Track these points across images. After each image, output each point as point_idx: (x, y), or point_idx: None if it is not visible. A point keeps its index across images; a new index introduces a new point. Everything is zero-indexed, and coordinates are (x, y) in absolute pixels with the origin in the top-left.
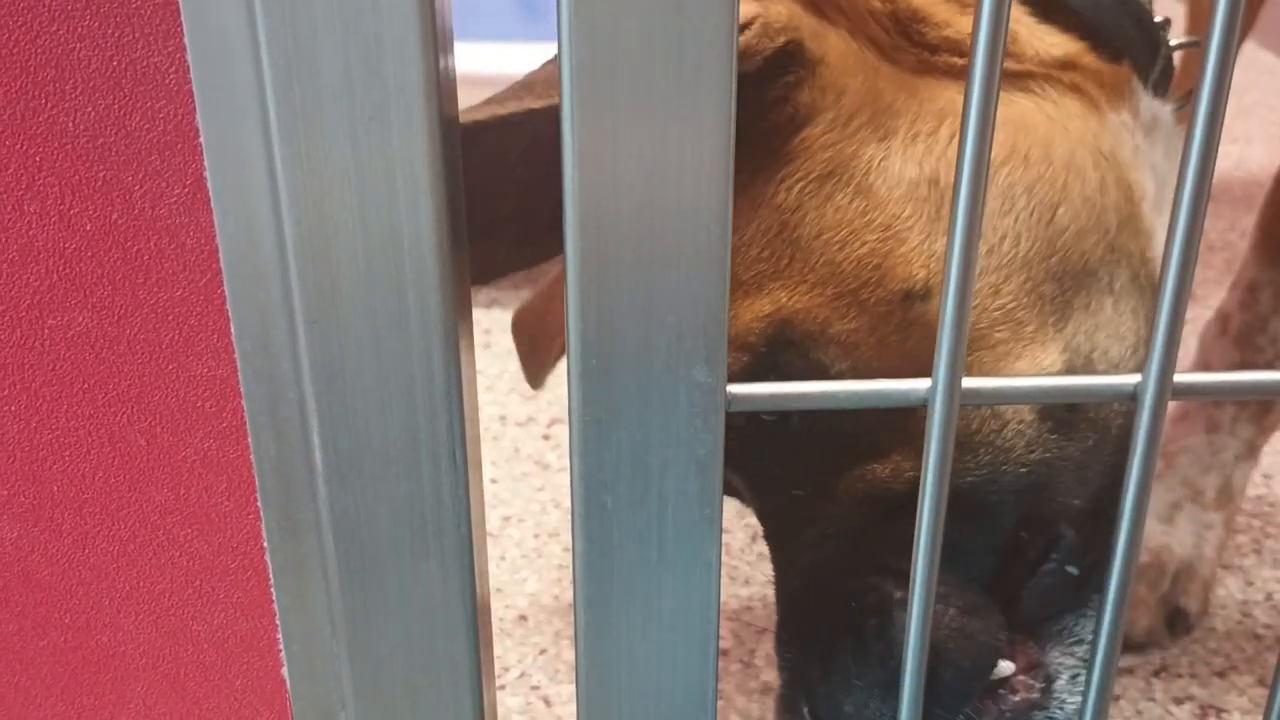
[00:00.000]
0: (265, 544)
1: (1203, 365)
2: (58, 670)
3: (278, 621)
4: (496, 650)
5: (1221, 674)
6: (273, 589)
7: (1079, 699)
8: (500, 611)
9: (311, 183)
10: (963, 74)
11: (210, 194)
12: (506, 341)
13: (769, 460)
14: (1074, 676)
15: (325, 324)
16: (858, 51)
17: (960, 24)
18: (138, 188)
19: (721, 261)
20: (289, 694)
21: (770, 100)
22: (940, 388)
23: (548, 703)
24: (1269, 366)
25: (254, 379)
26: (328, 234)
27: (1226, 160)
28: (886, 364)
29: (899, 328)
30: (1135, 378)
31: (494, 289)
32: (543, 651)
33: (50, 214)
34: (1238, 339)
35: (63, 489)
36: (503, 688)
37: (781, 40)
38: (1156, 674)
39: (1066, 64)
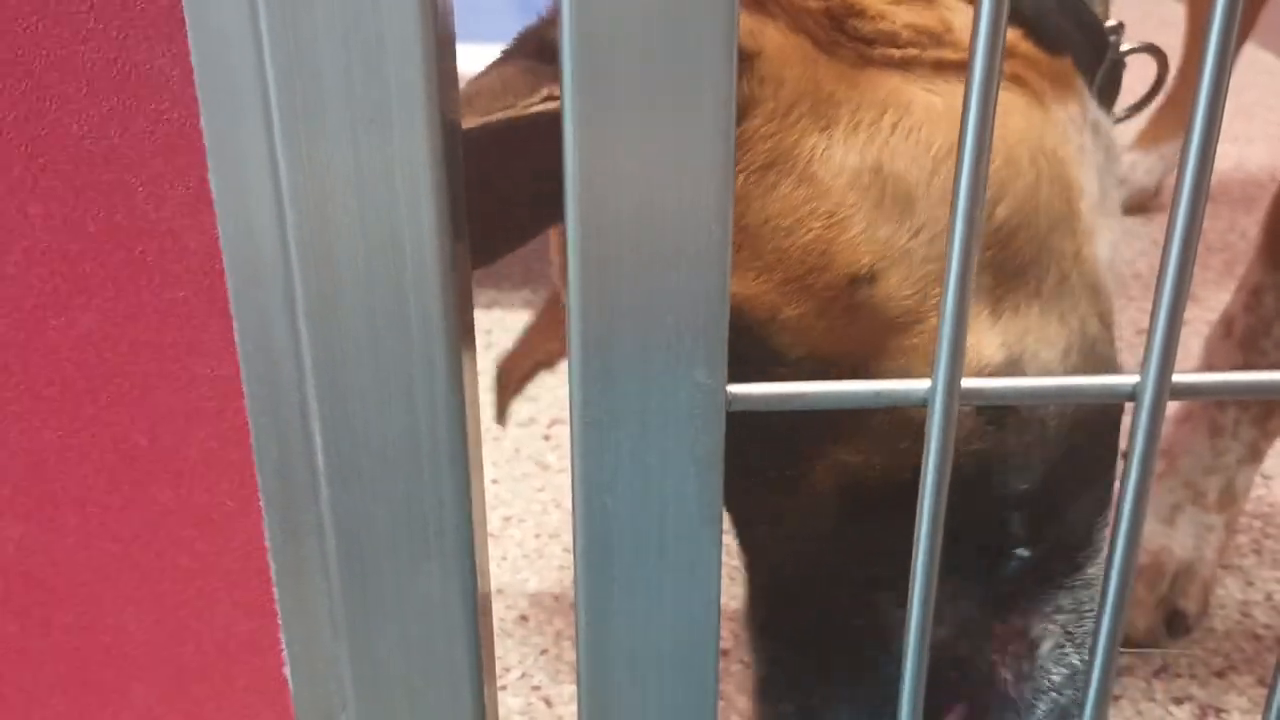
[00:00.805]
0: (267, 545)
1: (1207, 368)
2: (60, 670)
3: (279, 622)
4: (498, 650)
5: (1221, 674)
6: (274, 589)
7: (1064, 670)
8: (501, 612)
9: (313, 184)
10: (899, 65)
11: (213, 196)
12: (507, 342)
13: (737, 449)
14: (1056, 647)
15: (327, 325)
16: (796, 44)
17: (894, 15)
18: (141, 190)
19: (722, 261)
20: (290, 694)
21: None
22: (940, 387)
23: (549, 703)
24: (1274, 369)
25: (256, 380)
26: (329, 235)
27: (1225, 160)
28: (837, 347)
29: (846, 311)
30: (1134, 378)
31: (494, 289)
32: (544, 652)
33: (54, 216)
34: (1242, 342)
35: (65, 489)
36: (504, 688)
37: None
38: (1156, 674)
39: (1006, 49)
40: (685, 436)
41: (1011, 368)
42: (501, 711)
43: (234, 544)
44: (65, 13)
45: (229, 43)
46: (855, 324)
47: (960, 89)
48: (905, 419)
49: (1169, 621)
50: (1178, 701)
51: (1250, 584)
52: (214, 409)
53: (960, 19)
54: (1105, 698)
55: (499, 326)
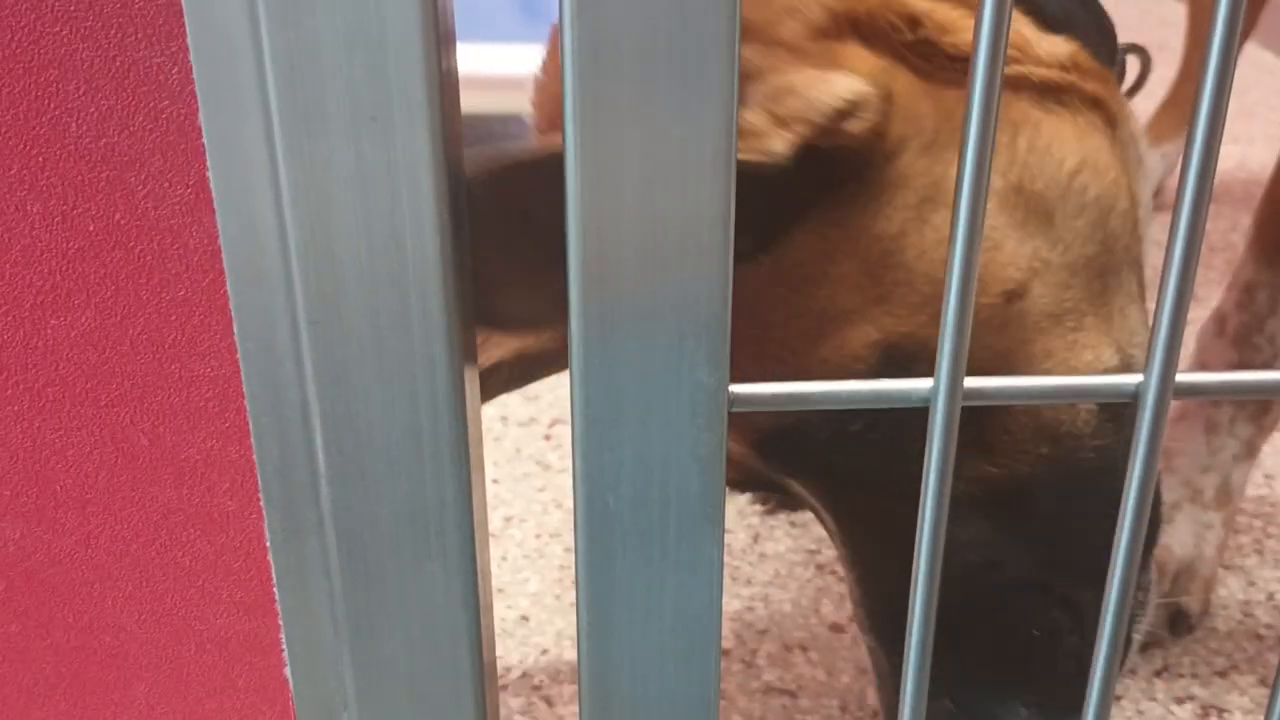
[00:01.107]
0: (268, 544)
1: (1200, 366)
2: (61, 670)
3: (280, 622)
4: (498, 650)
5: (1223, 674)
6: (275, 589)
7: None
8: (502, 612)
9: (314, 183)
10: (1010, 84)
11: (213, 194)
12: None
13: (862, 462)
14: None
15: (328, 324)
16: (910, 79)
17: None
18: (141, 188)
19: (723, 262)
20: (292, 694)
21: (858, 144)
22: (942, 387)
23: (549, 703)
24: (1266, 366)
25: (257, 379)
26: (330, 234)
27: (1228, 160)
28: (986, 365)
29: (996, 329)
30: (1137, 377)
31: None
32: (544, 652)
33: (54, 215)
34: (1235, 339)
35: (66, 489)
36: (505, 688)
37: (884, 108)
38: (1158, 674)
39: (1076, 62)
40: (687, 436)
41: (1126, 369)
42: (502, 711)
43: (235, 543)
44: (64, 11)
45: (229, 41)
46: (1002, 339)
47: (1063, 112)
48: (1040, 425)
49: (1171, 620)
50: (1179, 701)
51: (1252, 584)
52: (214, 408)
53: (1032, 34)
54: (1107, 698)
55: None
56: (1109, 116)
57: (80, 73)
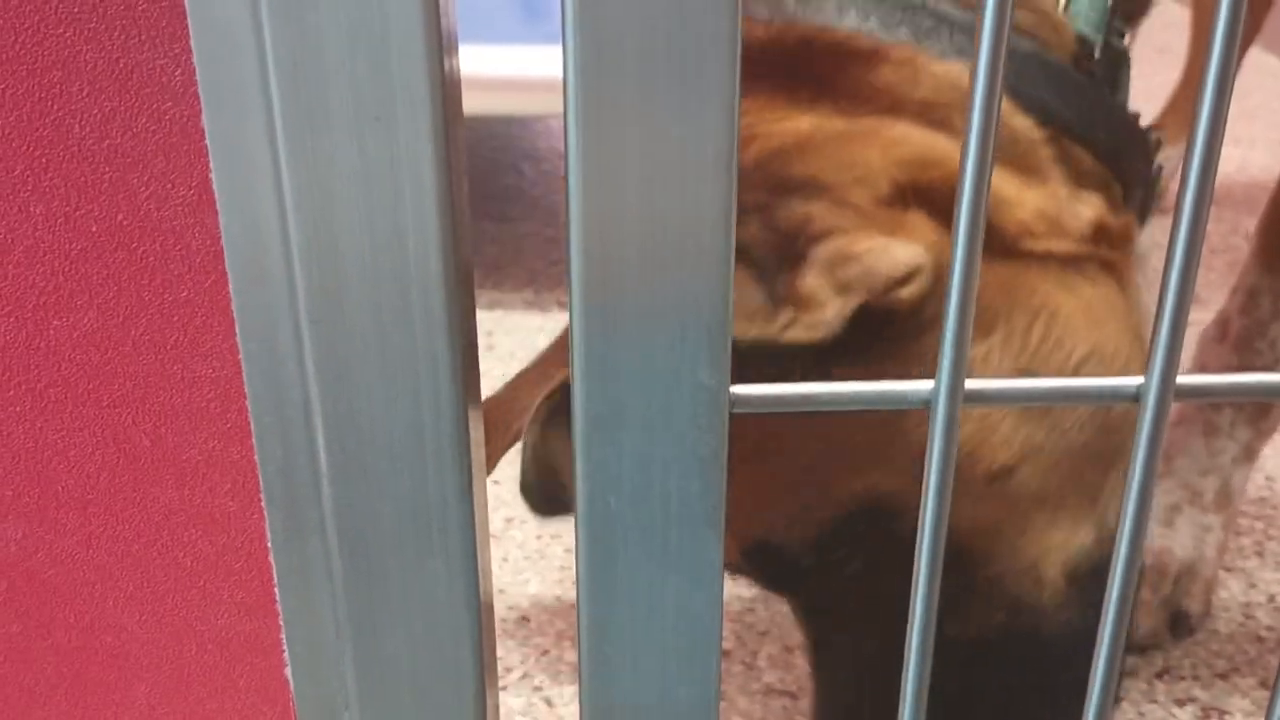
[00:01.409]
0: (269, 544)
1: (1200, 369)
2: (62, 670)
3: (281, 622)
4: (499, 651)
5: (1224, 676)
6: (277, 589)
7: None
8: (503, 613)
9: (316, 183)
10: (1039, 259)
11: (215, 195)
12: (509, 343)
13: (837, 591)
14: None
15: (330, 324)
16: None
17: (1025, 201)
18: (143, 189)
19: (725, 263)
20: (292, 694)
21: (903, 309)
22: (943, 389)
23: (550, 703)
24: (1267, 371)
25: (259, 379)
26: (333, 234)
27: (1229, 163)
28: (958, 532)
29: (977, 502)
30: (1138, 379)
31: (496, 290)
32: (545, 652)
33: (56, 215)
34: (1237, 344)
35: (67, 489)
36: (505, 689)
37: (935, 275)
38: (1159, 676)
39: (1099, 228)
40: (688, 437)
41: (1107, 540)
42: (503, 712)
43: (236, 543)
44: (67, 12)
45: (231, 41)
46: (983, 509)
47: (1082, 286)
48: (1003, 590)
49: (1173, 623)
50: (1180, 703)
51: (1253, 586)
52: (216, 408)
53: (1063, 206)
54: (1109, 700)
55: (500, 327)
56: (1122, 280)
57: (83, 74)
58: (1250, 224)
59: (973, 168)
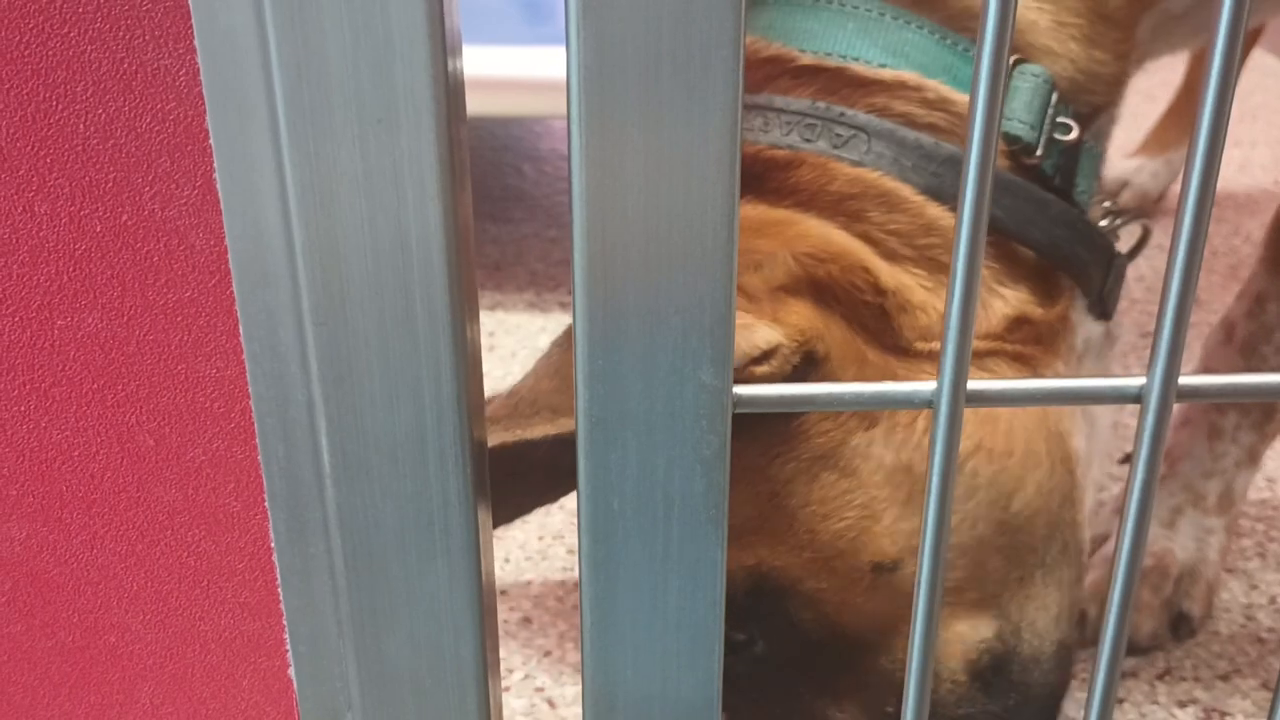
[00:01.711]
0: (273, 544)
1: (1205, 373)
2: (65, 670)
3: (285, 622)
4: (501, 652)
5: (1225, 677)
6: (280, 589)
7: None
8: (504, 614)
9: (320, 184)
10: (931, 358)
11: (220, 196)
12: (510, 344)
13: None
14: None
15: (333, 325)
16: (851, 339)
17: (933, 306)
18: (147, 189)
19: (727, 263)
20: (295, 694)
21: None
22: (945, 389)
23: (552, 704)
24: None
25: (262, 380)
26: (336, 236)
27: (1230, 165)
28: (849, 620)
29: (865, 591)
30: (1140, 380)
31: (498, 291)
32: (547, 653)
33: (60, 215)
34: (1243, 348)
35: (71, 489)
36: (507, 689)
37: (797, 358)
38: (1160, 677)
39: (1017, 322)
40: (691, 437)
41: (1010, 633)
42: (505, 713)
43: (239, 544)
44: (72, 12)
45: (236, 42)
46: (871, 602)
47: (989, 372)
48: (896, 682)
49: (1174, 624)
50: (1182, 705)
51: (1254, 587)
52: (220, 409)
53: (981, 303)
54: (1110, 701)
55: (501, 328)
56: (1036, 371)
57: (88, 74)
58: (1251, 225)
59: (973, 173)
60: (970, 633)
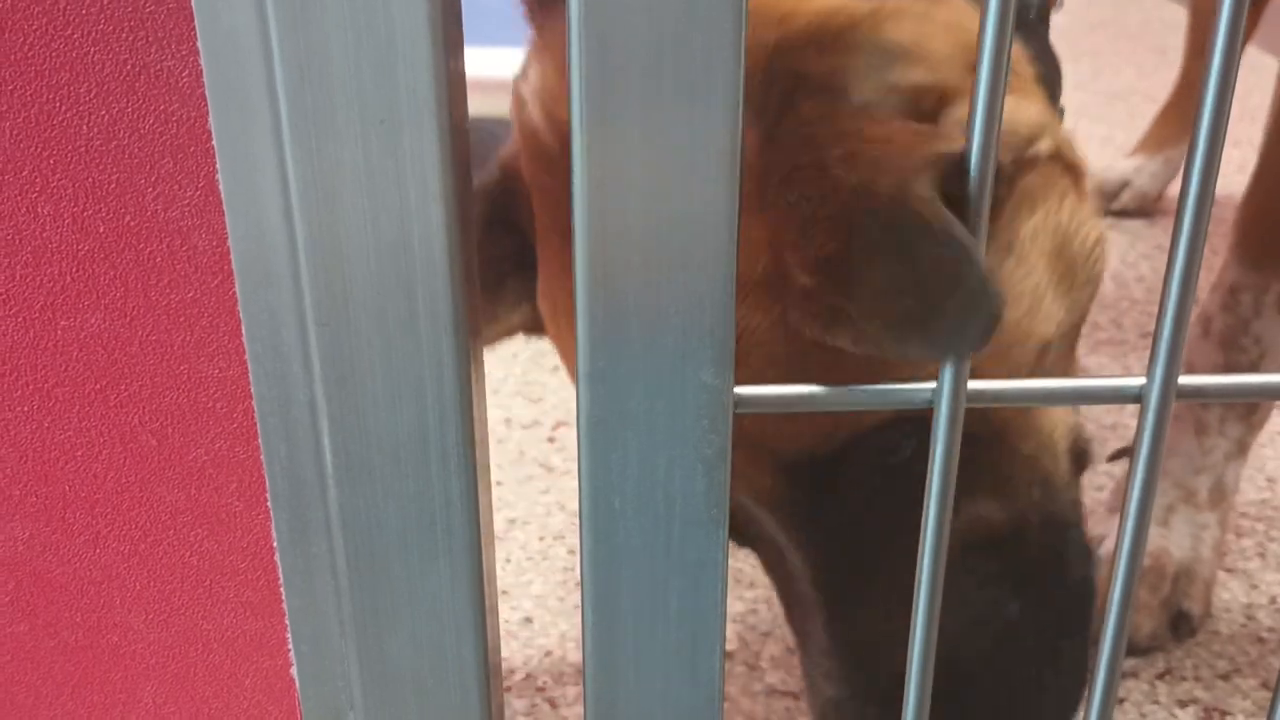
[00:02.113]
0: (275, 544)
1: (1186, 368)
2: (69, 669)
3: (287, 621)
4: (502, 653)
5: (1225, 677)
6: (282, 589)
7: None
8: (506, 614)
9: (323, 185)
10: (1052, 159)
11: (222, 197)
12: (511, 345)
13: (872, 506)
14: None
15: (336, 326)
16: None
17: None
18: (150, 190)
19: (728, 263)
20: (298, 694)
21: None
22: (945, 388)
23: (554, 705)
24: (1253, 367)
25: (265, 380)
26: (339, 236)
27: (1229, 164)
28: (1003, 411)
29: (1026, 375)
30: (1140, 380)
31: None
32: (548, 654)
33: (64, 216)
34: (1221, 341)
35: (74, 489)
36: (509, 690)
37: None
38: (1160, 677)
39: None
40: (692, 437)
41: (1078, 434)
42: (507, 713)
43: (242, 544)
44: (76, 14)
45: (238, 43)
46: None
47: (1078, 187)
48: (1035, 467)
49: (1174, 623)
50: (1182, 704)
51: (1254, 587)
52: (223, 409)
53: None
54: (1110, 702)
55: None
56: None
57: (91, 76)
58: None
59: (975, 175)
60: (1068, 416)
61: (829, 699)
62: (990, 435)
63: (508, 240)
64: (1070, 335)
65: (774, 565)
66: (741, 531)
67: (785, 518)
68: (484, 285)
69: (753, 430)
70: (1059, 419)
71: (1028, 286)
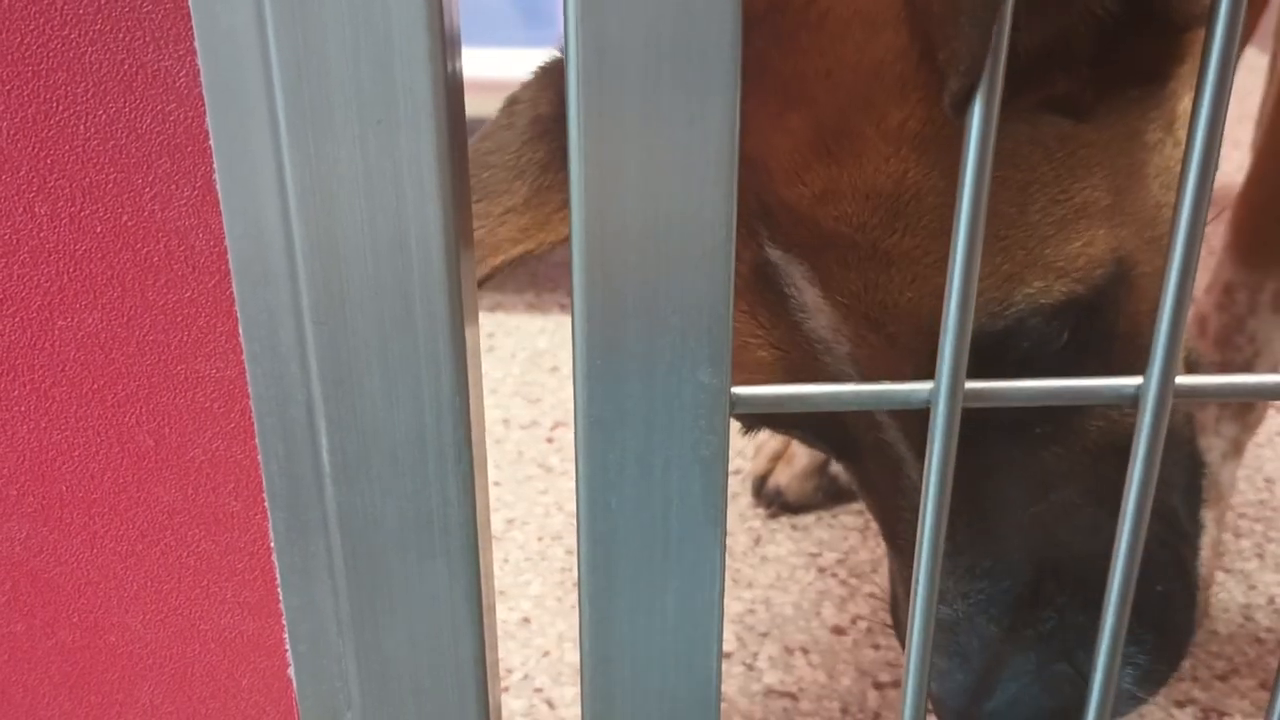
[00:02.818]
0: (272, 544)
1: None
2: (66, 669)
3: (284, 621)
4: (500, 653)
5: (1223, 677)
6: (279, 589)
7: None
8: (504, 614)
9: (320, 185)
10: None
11: (219, 196)
12: (510, 345)
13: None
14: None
15: (333, 325)
16: None
17: None
18: (148, 190)
19: (726, 263)
20: (295, 694)
21: (1176, 34)
22: (943, 389)
23: (551, 705)
24: (1248, 366)
25: (262, 380)
26: (336, 236)
27: (1227, 163)
28: (1149, 310)
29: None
30: (1137, 380)
31: (497, 292)
32: (546, 654)
33: (61, 216)
34: (1217, 340)
35: (71, 489)
36: (506, 690)
37: None
38: None
39: None
40: (689, 437)
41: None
42: (505, 713)
43: (239, 543)
44: (73, 14)
45: (236, 43)
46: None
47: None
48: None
49: None
50: (1180, 705)
51: (1253, 588)
52: (220, 408)
53: None
54: (1109, 701)
55: (501, 329)
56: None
57: (88, 75)
58: None
59: (972, 173)
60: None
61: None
62: (1139, 342)
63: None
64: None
65: (879, 480)
66: (845, 445)
67: (915, 420)
68: (540, 191)
69: (907, 313)
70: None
71: (1171, 169)
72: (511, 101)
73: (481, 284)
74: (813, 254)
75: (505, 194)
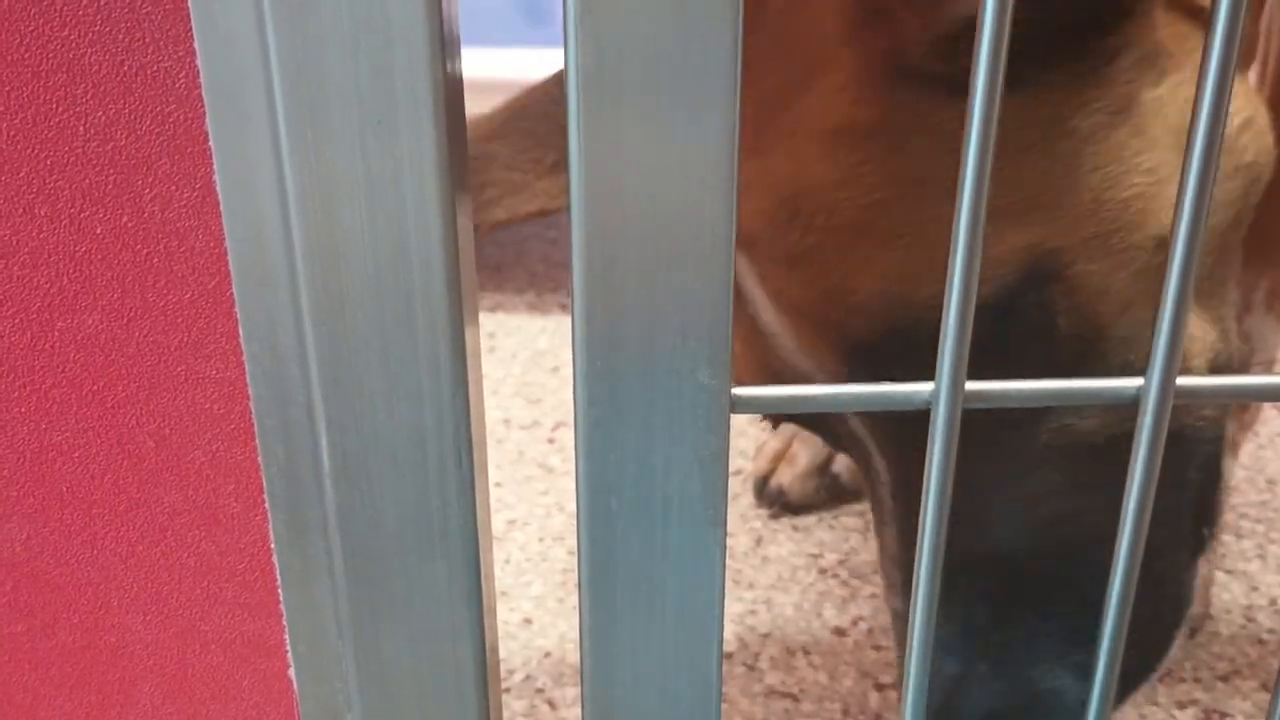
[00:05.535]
0: (273, 545)
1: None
2: (65, 670)
3: (284, 623)
4: (501, 653)
5: (1225, 678)
6: (280, 590)
7: None
8: (505, 615)
9: (320, 186)
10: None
11: (219, 197)
12: (510, 345)
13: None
14: None
15: (333, 327)
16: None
17: None
18: (147, 191)
19: (726, 263)
20: (295, 695)
21: (1103, 23)
22: (943, 390)
23: (552, 705)
24: (1245, 364)
25: (262, 381)
26: (336, 237)
27: None
28: (1105, 310)
29: (1140, 274)
30: (1137, 381)
31: (498, 293)
32: (547, 655)
33: (61, 217)
34: None
35: (71, 490)
36: (507, 690)
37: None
38: (1160, 678)
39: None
40: (689, 438)
41: (1219, 353)
42: (506, 714)
43: (239, 544)
44: (72, 15)
45: (235, 45)
46: (1135, 287)
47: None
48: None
49: None
50: (1181, 706)
51: (1254, 589)
52: (220, 410)
53: None
54: (1109, 701)
55: (501, 329)
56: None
57: (88, 76)
58: None
59: (972, 174)
60: (1204, 334)
61: (897, 612)
62: (1094, 340)
63: None
64: (1220, 237)
65: (865, 470)
66: (836, 432)
67: (863, 415)
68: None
69: (814, 310)
70: (1200, 334)
71: (1143, 164)
72: None
73: (508, 224)
74: (747, 249)
75: (559, 148)
